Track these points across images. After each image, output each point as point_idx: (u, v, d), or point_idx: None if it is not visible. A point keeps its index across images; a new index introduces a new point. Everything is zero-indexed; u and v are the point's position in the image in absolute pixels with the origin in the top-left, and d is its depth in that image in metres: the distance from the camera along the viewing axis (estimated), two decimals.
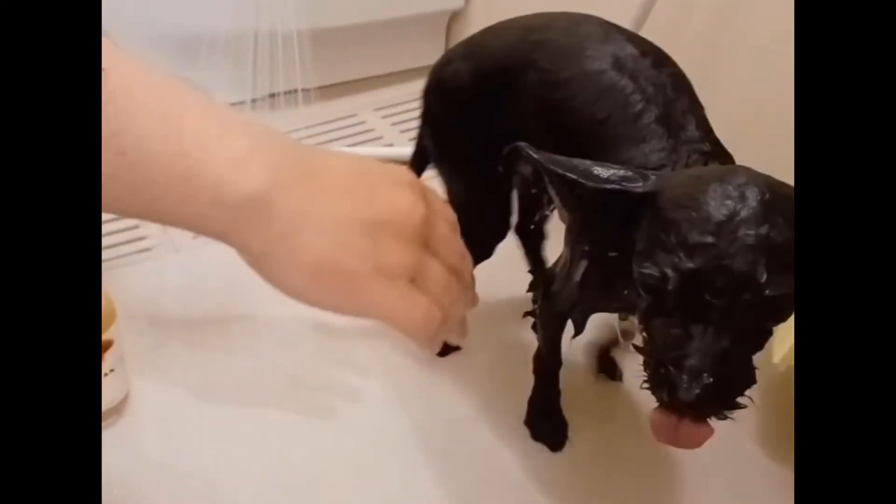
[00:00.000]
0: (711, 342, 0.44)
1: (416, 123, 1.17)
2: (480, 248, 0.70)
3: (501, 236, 0.75)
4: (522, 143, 0.51)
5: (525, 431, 0.75)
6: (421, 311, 0.41)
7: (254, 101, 0.99)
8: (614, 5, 0.70)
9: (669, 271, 0.44)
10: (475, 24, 1.20)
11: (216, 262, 0.88)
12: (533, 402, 0.75)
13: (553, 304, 0.66)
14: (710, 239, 0.44)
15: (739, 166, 0.51)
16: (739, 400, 0.46)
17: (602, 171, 0.49)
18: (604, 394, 0.80)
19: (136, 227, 0.94)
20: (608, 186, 0.49)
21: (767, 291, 0.43)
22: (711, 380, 0.44)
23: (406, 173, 0.42)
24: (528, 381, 0.75)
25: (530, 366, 0.74)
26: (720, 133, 0.57)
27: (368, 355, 0.80)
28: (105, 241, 0.92)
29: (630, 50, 0.59)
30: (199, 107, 0.36)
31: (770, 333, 0.48)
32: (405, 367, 0.80)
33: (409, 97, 1.20)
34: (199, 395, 0.76)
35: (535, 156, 0.50)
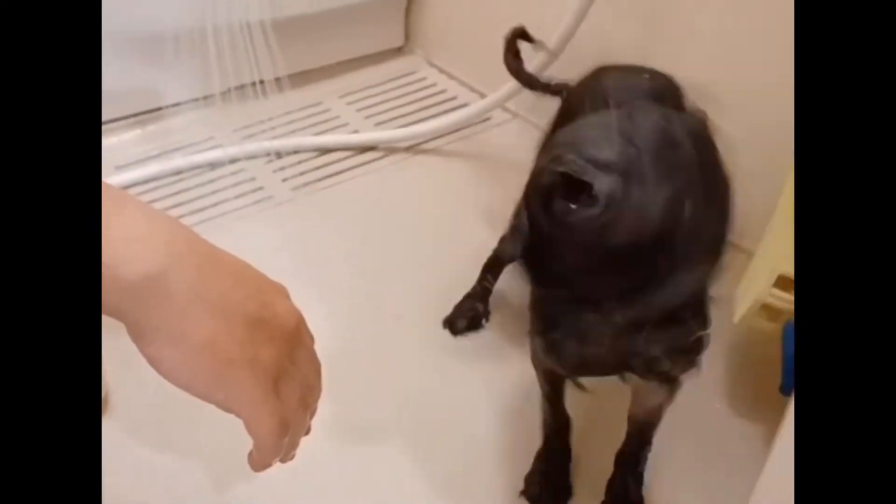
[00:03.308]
0: None
1: (380, 109, 1.20)
2: None
3: None
4: None
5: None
6: (277, 417, 0.42)
7: (222, 93, 1.00)
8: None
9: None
10: (433, 8, 1.22)
11: None
12: (535, 465, 0.70)
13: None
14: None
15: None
16: None
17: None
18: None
19: None
20: None
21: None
22: None
23: (284, 287, 0.44)
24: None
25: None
26: None
27: (355, 352, 0.82)
28: None
29: None
30: (111, 196, 0.37)
31: None
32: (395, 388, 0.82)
33: (373, 83, 1.21)
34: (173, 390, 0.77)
35: None
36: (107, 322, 0.80)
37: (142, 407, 0.75)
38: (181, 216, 0.95)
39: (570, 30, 0.89)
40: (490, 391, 0.78)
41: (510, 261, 0.80)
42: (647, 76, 0.62)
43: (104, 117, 1.03)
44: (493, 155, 1.07)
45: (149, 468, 0.71)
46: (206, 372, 0.40)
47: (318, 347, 0.47)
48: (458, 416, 0.76)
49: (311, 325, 0.45)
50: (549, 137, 0.62)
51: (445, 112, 1.12)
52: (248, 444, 0.45)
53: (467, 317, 0.83)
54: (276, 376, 0.43)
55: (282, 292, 0.44)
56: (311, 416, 0.48)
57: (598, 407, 0.74)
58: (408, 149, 1.08)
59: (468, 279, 0.85)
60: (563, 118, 0.65)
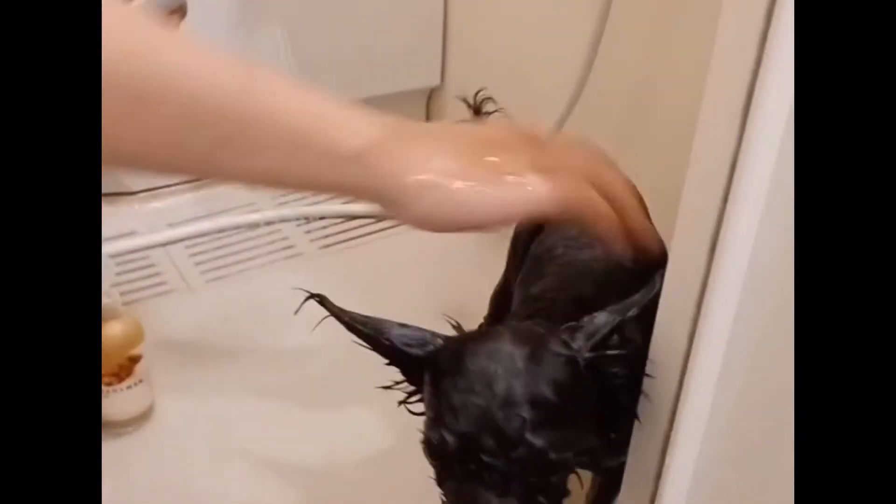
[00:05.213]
0: None
1: None
2: None
3: None
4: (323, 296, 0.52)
5: None
6: (551, 185, 0.43)
7: None
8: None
9: (447, 435, 0.44)
10: (451, 99, 1.37)
11: (225, 299, 1.04)
12: None
13: None
14: (475, 400, 0.43)
15: (505, 326, 0.51)
16: None
17: (393, 331, 0.49)
18: None
19: (156, 272, 1.10)
20: (394, 346, 0.49)
21: (536, 444, 0.42)
22: None
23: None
24: None
25: None
26: None
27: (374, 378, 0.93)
28: (127, 278, 1.07)
29: None
30: (319, 91, 0.43)
31: (560, 488, 0.47)
32: None
33: None
34: (215, 411, 0.90)
35: (334, 308, 0.52)
36: (153, 351, 0.93)
37: (186, 419, 0.88)
38: (225, 266, 1.10)
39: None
40: None
41: None
42: None
43: (167, 181, 1.19)
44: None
45: (183, 479, 0.82)
46: (471, 192, 0.42)
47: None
48: None
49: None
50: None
51: None
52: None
53: None
54: (528, 169, 0.43)
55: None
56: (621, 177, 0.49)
57: None
58: None
59: None
60: None
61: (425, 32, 1.31)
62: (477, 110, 0.83)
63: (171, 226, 1.16)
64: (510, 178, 0.43)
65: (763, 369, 0.44)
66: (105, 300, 0.79)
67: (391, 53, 1.29)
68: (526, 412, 0.43)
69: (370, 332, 0.50)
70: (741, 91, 0.38)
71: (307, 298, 0.51)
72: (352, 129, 0.41)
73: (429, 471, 0.48)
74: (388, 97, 1.32)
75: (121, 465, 0.82)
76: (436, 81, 1.37)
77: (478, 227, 0.44)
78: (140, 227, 1.15)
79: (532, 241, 0.70)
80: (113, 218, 1.13)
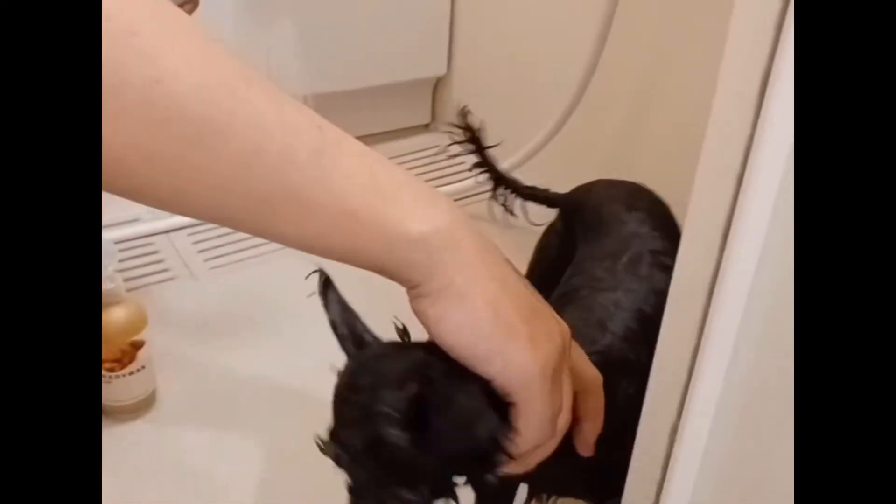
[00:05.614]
0: None
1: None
2: None
3: None
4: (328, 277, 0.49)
5: None
6: (550, 409, 0.41)
7: None
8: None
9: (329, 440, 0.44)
10: (457, 88, 1.37)
11: (227, 286, 1.04)
12: None
13: None
14: (341, 407, 0.43)
15: (392, 343, 0.47)
16: None
17: (339, 326, 0.47)
18: None
19: (160, 259, 1.09)
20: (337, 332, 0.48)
21: (398, 453, 0.41)
22: None
23: None
24: None
25: None
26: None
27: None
28: (131, 264, 1.07)
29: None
30: (389, 163, 0.39)
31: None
32: None
33: (401, 152, 1.36)
34: (217, 398, 0.90)
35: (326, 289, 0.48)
36: (157, 336, 0.93)
37: (187, 406, 0.88)
38: (227, 254, 1.10)
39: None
40: None
41: None
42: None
43: None
44: (499, 215, 1.22)
45: (184, 467, 0.82)
46: (488, 333, 0.39)
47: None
48: None
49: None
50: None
51: (463, 179, 1.26)
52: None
53: None
54: (553, 374, 0.41)
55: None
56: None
57: None
58: None
59: None
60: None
61: (432, 22, 1.31)
62: (468, 128, 0.90)
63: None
64: (528, 364, 0.40)
65: (774, 361, 0.44)
66: (109, 285, 0.78)
67: (398, 43, 1.29)
68: (379, 420, 0.41)
69: (332, 319, 0.48)
70: (757, 74, 0.37)
71: (314, 272, 0.47)
72: (420, 210, 0.38)
73: None
74: (394, 86, 1.33)
75: (124, 451, 0.82)
76: (442, 71, 1.36)
77: (471, 364, 0.40)
78: (143, 214, 1.14)
79: (560, 270, 0.69)
80: (116, 205, 1.11)
